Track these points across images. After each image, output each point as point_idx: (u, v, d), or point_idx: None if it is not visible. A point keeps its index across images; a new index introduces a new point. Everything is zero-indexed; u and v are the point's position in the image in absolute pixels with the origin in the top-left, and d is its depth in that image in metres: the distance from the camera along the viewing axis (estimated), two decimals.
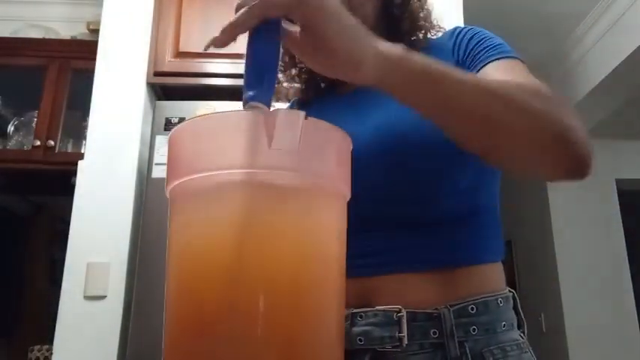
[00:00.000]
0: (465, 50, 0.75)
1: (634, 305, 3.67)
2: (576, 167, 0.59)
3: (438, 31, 0.83)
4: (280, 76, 0.86)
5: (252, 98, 0.47)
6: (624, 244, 3.78)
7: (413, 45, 0.78)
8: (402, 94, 0.54)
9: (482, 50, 0.73)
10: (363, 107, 0.75)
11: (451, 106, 0.55)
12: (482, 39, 0.75)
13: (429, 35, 0.82)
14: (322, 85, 0.88)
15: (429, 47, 0.80)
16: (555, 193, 3.79)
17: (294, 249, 0.44)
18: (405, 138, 0.68)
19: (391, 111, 0.70)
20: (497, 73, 0.68)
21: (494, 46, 0.72)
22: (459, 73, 0.55)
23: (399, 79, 0.51)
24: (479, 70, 0.70)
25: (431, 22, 0.83)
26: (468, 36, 0.76)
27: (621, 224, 3.82)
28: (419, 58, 0.53)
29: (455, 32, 0.79)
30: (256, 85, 0.48)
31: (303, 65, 0.86)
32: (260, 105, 0.47)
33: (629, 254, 3.76)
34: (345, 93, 0.81)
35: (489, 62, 0.70)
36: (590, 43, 3.29)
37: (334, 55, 0.48)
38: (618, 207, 3.86)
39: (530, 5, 3.05)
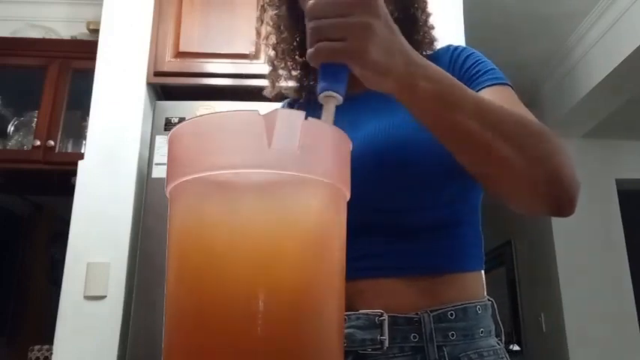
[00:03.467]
0: (462, 68, 0.77)
1: (634, 305, 3.67)
2: (563, 209, 0.63)
3: (435, 48, 0.86)
4: (280, 71, 0.88)
5: (325, 88, 0.49)
6: (624, 244, 3.78)
7: None
8: (415, 112, 0.57)
9: (478, 72, 0.75)
10: (356, 118, 0.77)
11: (456, 135, 0.58)
12: (477, 61, 0.77)
13: (428, 52, 0.84)
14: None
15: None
16: None
17: (294, 249, 0.44)
18: (391, 151, 0.71)
19: (381, 124, 0.73)
20: (492, 99, 0.71)
21: (488, 71, 0.75)
22: (472, 103, 0.57)
23: (415, 99, 0.55)
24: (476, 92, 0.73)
25: (431, 42, 0.85)
26: (464, 55, 0.79)
27: (621, 224, 3.82)
28: (440, 83, 0.56)
29: (450, 49, 0.82)
30: (330, 78, 0.49)
31: (300, 60, 0.88)
32: (334, 94, 0.48)
33: (629, 254, 3.76)
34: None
35: (485, 87, 0.73)
36: (591, 43, 3.29)
37: (368, 65, 0.50)
38: (618, 207, 3.86)
39: (530, 5, 3.05)
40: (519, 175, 0.60)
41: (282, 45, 0.87)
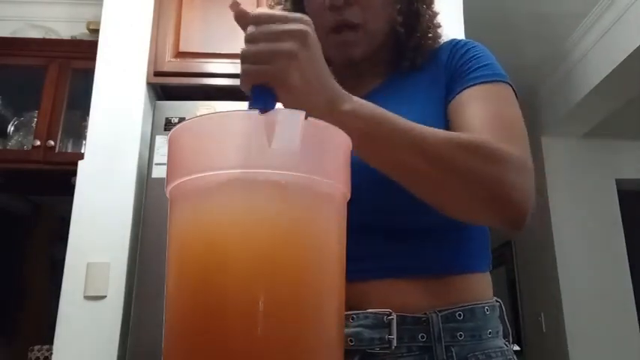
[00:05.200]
0: (456, 65, 0.77)
1: (634, 305, 3.67)
2: (510, 223, 0.64)
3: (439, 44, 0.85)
4: None
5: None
6: (624, 244, 3.77)
7: (415, 59, 0.81)
8: None
9: (469, 69, 0.75)
10: None
11: (393, 170, 0.61)
12: (473, 57, 0.77)
13: (435, 46, 0.84)
14: None
15: (427, 58, 0.82)
16: (555, 193, 3.79)
17: (295, 249, 0.44)
18: None
19: None
20: (473, 100, 0.72)
21: (481, 67, 0.75)
22: (404, 136, 0.59)
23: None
24: (459, 91, 0.73)
25: (434, 39, 0.84)
26: (462, 51, 0.79)
27: (621, 224, 3.82)
28: (369, 120, 0.57)
29: (451, 44, 0.81)
30: (258, 102, 0.50)
31: None
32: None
33: (629, 254, 3.76)
34: None
35: (471, 85, 0.73)
36: (590, 44, 3.29)
37: (289, 89, 0.52)
38: (618, 207, 3.86)
39: (530, 6, 3.05)
40: (467, 201, 0.63)
41: None
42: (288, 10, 0.87)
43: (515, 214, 0.63)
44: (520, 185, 0.62)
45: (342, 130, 0.53)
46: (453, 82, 0.75)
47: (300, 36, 0.52)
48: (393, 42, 0.83)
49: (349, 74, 0.85)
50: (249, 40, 0.53)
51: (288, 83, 0.51)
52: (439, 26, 0.85)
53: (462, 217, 0.68)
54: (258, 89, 0.50)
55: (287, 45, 0.51)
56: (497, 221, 0.65)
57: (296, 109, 0.49)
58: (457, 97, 0.73)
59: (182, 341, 0.44)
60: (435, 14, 0.85)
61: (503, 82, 0.74)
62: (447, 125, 0.72)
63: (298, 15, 0.54)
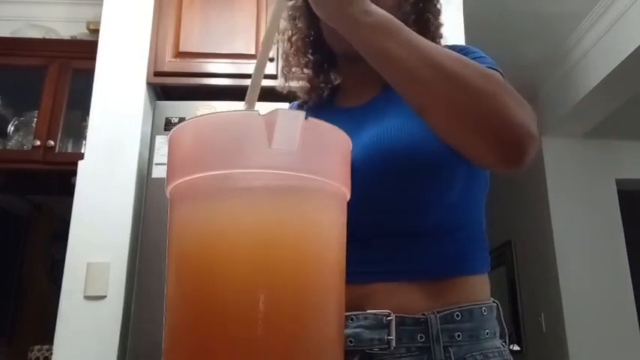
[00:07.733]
0: None
1: (634, 305, 3.67)
2: (510, 154, 0.59)
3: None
4: (294, 69, 0.90)
5: None
6: (624, 244, 3.77)
7: None
8: (353, 42, 0.61)
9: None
10: (363, 121, 0.77)
11: (390, 64, 0.60)
12: (475, 58, 0.77)
13: None
14: (325, 93, 0.92)
15: None
16: (555, 194, 3.79)
17: (295, 249, 0.44)
18: (395, 152, 0.71)
19: (386, 126, 0.73)
20: None
21: (476, 60, 0.74)
22: (407, 36, 0.60)
23: (354, 29, 0.59)
24: None
25: (436, 39, 0.85)
26: (463, 53, 0.78)
27: (621, 224, 3.81)
28: (380, 17, 0.60)
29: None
30: None
31: (312, 59, 0.88)
32: None
33: (629, 254, 3.76)
34: (350, 107, 0.84)
35: None
36: (590, 43, 3.29)
37: None
38: (618, 207, 3.86)
39: (530, 6, 3.05)
40: (458, 109, 0.58)
41: (296, 37, 0.88)
42: (300, 6, 0.87)
43: (513, 140, 0.58)
44: (524, 117, 0.59)
45: (355, 25, 0.59)
46: None
47: None
48: None
49: (355, 80, 0.85)
50: None
51: None
52: (441, 37, 0.87)
53: (455, 136, 0.62)
54: None
55: None
56: (492, 144, 0.59)
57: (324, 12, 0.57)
58: None
59: (182, 341, 0.44)
60: (441, 25, 0.87)
61: (497, 70, 0.73)
62: None
63: None
